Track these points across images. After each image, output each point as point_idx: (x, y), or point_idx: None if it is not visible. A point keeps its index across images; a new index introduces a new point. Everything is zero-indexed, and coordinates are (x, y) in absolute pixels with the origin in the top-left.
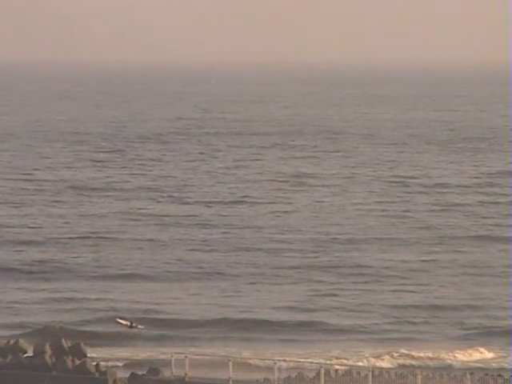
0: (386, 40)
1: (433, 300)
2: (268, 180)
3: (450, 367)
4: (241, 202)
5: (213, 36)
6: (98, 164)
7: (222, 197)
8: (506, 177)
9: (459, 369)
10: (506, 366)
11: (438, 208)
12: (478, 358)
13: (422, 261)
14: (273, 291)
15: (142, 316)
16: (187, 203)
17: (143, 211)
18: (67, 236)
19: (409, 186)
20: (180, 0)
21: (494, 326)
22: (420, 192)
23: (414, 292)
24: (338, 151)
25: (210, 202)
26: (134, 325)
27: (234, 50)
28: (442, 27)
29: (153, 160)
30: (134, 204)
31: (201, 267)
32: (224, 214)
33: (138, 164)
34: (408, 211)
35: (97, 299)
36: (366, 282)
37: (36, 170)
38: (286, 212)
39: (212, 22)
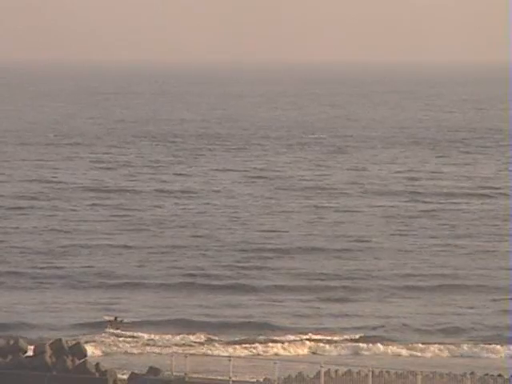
0: (385, 40)
1: None
2: None
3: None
4: None
5: (207, 36)
6: None
7: None
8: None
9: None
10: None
11: None
12: None
13: None
14: None
15: None
16: None
17: None
18: None
19: None
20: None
21: None
22: None
23: None
24: None
25: None
26: (118, 319)
27: (223, 49)
28: (442, 27)
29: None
30: None
31: None
32: None
33: None
34: None
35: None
36: None
37: None
38: None
39: (204, 21)
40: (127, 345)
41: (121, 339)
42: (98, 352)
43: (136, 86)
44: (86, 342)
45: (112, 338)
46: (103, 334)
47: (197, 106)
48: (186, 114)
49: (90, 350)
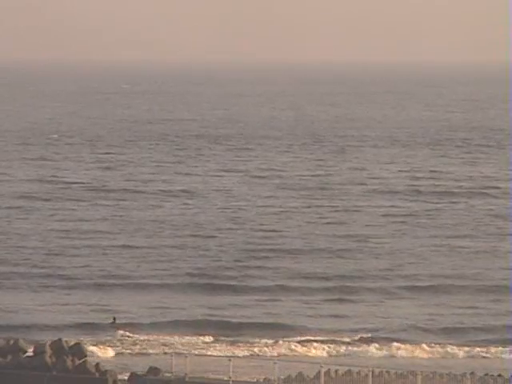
0: (385, 40)
1: None
2: None
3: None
4: None
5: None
6: None
7: None
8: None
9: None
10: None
11: None
12: None
13: None
14: None
15: None
16: None
17: None
18: None
19: None
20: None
21: None
22: None
23: None
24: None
25: None
26: (117, 320)
27: (216, 49)
28: (442, 27)
29: None
30: None
31: None
32: None
33: None
34: None
35: None
36: None
37: None
38: None
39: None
40: (127, 345)
41: (121, 339)
42: (97, 352)
43: (136, 85)
44: (86, 342)
45: (112, 338)
46: (103, 335)
47: (197, 105)
48: (186, 114)
49: (89, 350)
